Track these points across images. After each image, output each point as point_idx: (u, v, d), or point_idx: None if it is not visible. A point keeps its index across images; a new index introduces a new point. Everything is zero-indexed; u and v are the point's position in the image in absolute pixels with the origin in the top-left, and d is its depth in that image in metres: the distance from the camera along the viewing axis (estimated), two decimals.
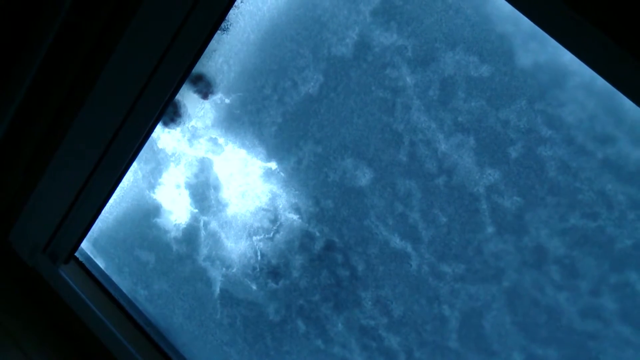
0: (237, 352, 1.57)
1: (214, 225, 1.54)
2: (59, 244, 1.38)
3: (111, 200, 1.36)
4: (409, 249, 1.38)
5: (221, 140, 1.45)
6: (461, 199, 1.30)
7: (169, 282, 1.60)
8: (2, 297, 1.42)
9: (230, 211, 1.51)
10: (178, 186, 1.54)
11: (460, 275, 1.35)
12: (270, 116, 1.38)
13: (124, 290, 1.51)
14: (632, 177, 1.16)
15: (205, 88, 1.38)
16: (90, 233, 1.41)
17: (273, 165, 1.42)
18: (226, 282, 1.55)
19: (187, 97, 1.41)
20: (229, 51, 1.33)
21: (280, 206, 1.45)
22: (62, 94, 1.19)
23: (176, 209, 1.56)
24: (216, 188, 1.51)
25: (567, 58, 1.11)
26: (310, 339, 1.51)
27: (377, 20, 1.23)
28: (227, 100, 1.39)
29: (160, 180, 1.55)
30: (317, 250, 1.46)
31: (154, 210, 1.58)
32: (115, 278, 1.52)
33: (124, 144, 1.20)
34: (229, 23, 1.30)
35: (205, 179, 1.51)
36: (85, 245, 1.51)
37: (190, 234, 1.56)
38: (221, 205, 1.52)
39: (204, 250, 1.56)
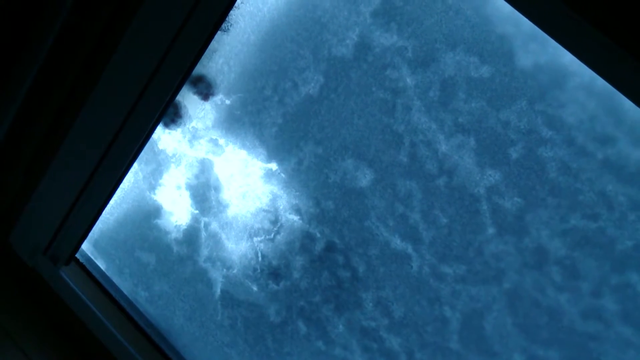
0: (237, 353, 1.57)
1: (214, 226, 1.54)
2: (60, 245, 1.38)
3: (112, 202, 1.36)
4: (410, 250, 1.38)
5: (222, 141, 1.45)
6: (462, 199, 1.30)
7: (170, 283, 1.60)
8: (3, 298, 1.42)
9: (230, 212, 1.51)
10: (179, 187, 1.54)
11: (461, 276, 1.35)
12: (271, 117, 1.38)
13: (125, 292, 1.51)
14: (633, 177, 1.16)
15: (205, 89, 1.39)
16: (90, 234, 1.41)
17: (273, 166, 1.43)
18: (227, 284, 1.55)
19: (188, 98, 1.41)
20: (229, 52, 1.33)
21: (281, 207, 1.46)
22: (63, 95, 1.19)
23: (177, 210, 1.56)
24: (217, 189, 1.51)
25: (567, 59, 1.11)
26: (311, 340, 1.51)
27: (377, 21, 1.23)
28: (227, 101, 1.39)
29: (160, 181, 1.55)
30: (317, 251, 1.46)
31: (155, 212, 1.58)
32: (116, 279, 1.52)
33: (125, 145, 1.20)
34: (229, 24, 1.30)
35: (206, 180, 1.51)
36: (85, 246, 1.51)
37: (191, 235, 1.56)
38: (222, 206, 1.52)
39: (204, 252, 1.56)
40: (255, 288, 1.53)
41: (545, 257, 1.28)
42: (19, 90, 1.18)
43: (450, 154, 1.27)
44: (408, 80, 1.25)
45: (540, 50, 1.12)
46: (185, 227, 1.56)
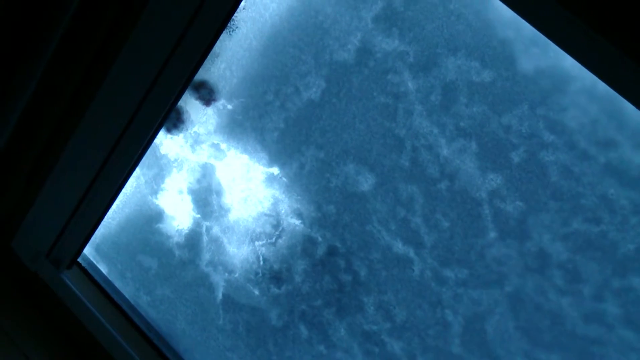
0: (239, 357, 1.57)
1: (216, 230, 1.54)
2: (62, 249, 1.38)
3: (114, 206, 1.36)
4: (412, 253, 1.38)
5: (223, 146, 1.45)
6: (463, 203, 1.30)
7: (172, 287, 1.60)
8: (5, 302, 1.42)
9: (232, 216, 1.51)
10: (180, 192, 1.54)
11: (462, 280, 1.35)
12: (273, 122, 1.38)
13: (127, 296, 1.51)
14: (635, 181, 1.16)
15: (207, 94, 1.39)
16: (93, 238, 1.41)
17: (275, 170, 1.43)
18: (228, 288, 1.55)
19: (190, 104, 1.41)
20: (231, 57, 1.33)
21: (283, 211, 1.46)
22: (66, 100, 1.19)
23: (179, 215, 1.56)
24: (218, 193, 1.51)
25: (569, 63, 1.11)
26: (312, 344, 1.51)
27: (378, 26, 1.23)
28: (229, 106, 1.40)
29: (162, 185, 1.55)
30: (319, 255, 1.46)
31: (157, 216, 1.58)
32: (117, 283, 1.52)
33: (127, 150, 1.21)
34: (231, 29, 1.30)
35: (208, 185, 1.52)
36: (87, 250, 1.51)
37: (193, 240, 1.56)
38: (223, 211, 1.52)
39: (206, 256, 1.56)
40: (256, 292, 1.53)
41: (547, 260, 1.28)
42: (22, 95, 1.19)
43: (451, 158, 1.27)
44: (409, 84, 1.25)
45: (542, 55, 1.13)
46: (187, 231, 1.57)
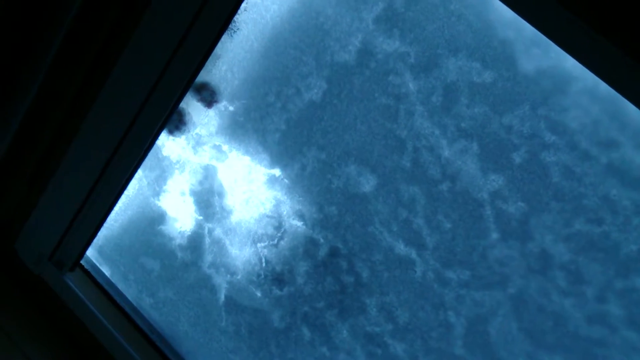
0: (242, 359, 1.57)
1: (218, 232, 1.54)
2: (65, 252, 1.38)
3: (116, 208, 1.36)
4: (414, 255, 1.37)
5: (225, 148, 1.45)
6: (465, 204, 1.30)
7: (174, 289, 1.60)
8: (8, 304, 1.42)
9: (234, 218, 1.52)
10: (183, 193, 1.54)
11: (465, 281, 1.35)
12: (274, 123, 1.39)
13: (129, 298, 1.51)
14: (637, 182, 1.16)
15: (209, 96, 1.39)
16: (95, 240, 1.42)
17: (277, 171, 1.43)
18: (231, 289, 1.55)
19: (192, 105, 1.42)
20: (232, 59, 1.34)
21: (285, 213, 1.46)
22: (67, 102, 1.20)
23: (181, 216, 1.56)
24: (220, 195, 1.51)
25: (570, 63, 1.11)
26: (315, 346, 1.51)
27: (379, 27, 1.23)
28: (231, 108, 1.40)
29: (165, 187, 1.56)
30: (321, 256, 1.46)
31: (159, 218, 1.58)
32: (120, 285, 1.52)
33: (129, 152, 1.21)
34: (232, 31, 1.31)
35: (210, 186, 1.52)
36: (90, 252, 1.52)
37: (195, 241, 1.57)
38: (225, 212, 1.52)
39: (208, 258, 1.56)
40: (259, 294, 1.53)
41: (550, 261, 1.28)
42: (23, 98, 1.19)
43: (453, 159, 1.27)
44: (410, 85, 1.25)
45: (543, 55, 1.13)
46: (189, 233, 1.57)
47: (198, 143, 1.47)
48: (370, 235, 1.39)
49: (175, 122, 1.45)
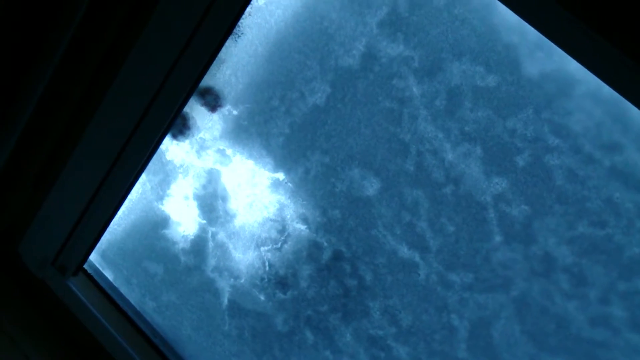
0: None
1: (221, 236, 1.54)
2: (68, 256, 1.38)
3: (120, 212, 1.36)
4: (417, 258, 1.38)
5: (229, 152, 1.45)
6: (469, 208, 1.30)
7: (177, 293, 1.60)
8: (11, 308, 1.42)
9: (238, 222, 1.52)
10: (186, 197, 1.54)
11: (468, 284, 1.35)
12: (278, 127, 1.39)
13: (132, 302, 1.51)
14: None
15: (213, 100, 1.39)
16: (98, 245, 1.41)
17: (280, 175, 1.43)
18: (234, 293, 1.55)
19: (196, 110, 1.42)
20: (236, 63, 1.34)
21: (288, 216, 1.46)
22: (72, 107, 1.20)
23: (184, 220, 1.56)
24: (224, 199, 1.51)
25: (573, 67, 1.12)
26: (318, 349, 1.51)
27: (383, 31, 1.24)
28: (235, 112, 1.40)
29: (168, 191, 1.56)
30: (324, 260, 1.46)
31: (162, 222, 1.58)
32: (123, 290, 1.52)
33: (133, 156, 1.21)
34: (237, 36, 1.31)
35: (213, 190, 1.52)
36: (93, 257, 1.52)
37: (198, 245, 1.56)
38: (229, 216, 1.52)
39: (212, 261, 1.56)
40: (262, 297, 1.53)
41: (553, 264, 1.28)
42: (28, 102, 1.19)
43: (456, 162, 1.27)
44: (414, 89, 1.25)
45: (546, 59, 1.13)
46: (192, 237, 1.57)
47: (202, 147, 1.47)
48: (374, 238, 1.39)
49: (179, 126, 1.45)
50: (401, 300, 1.41)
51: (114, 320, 1.43)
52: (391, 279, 1.41)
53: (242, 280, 1.54)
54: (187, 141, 1.47)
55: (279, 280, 1.51)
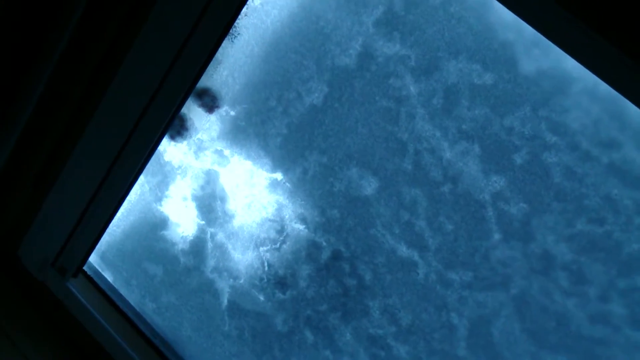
0: None
1: (220, 236, 1.54)
2: (68, 258, 1.38)
3: (119, 214, 1.36)
4: (416, 257, 1.38)
5: (227, 152, 1.46)
6: (467, 206, 1.30)
7: (177, 294, 1.60)
8: (12, 310, 1.42)
9: (236, 222, 1.52)
10: (185, 198, 1.54)
11: (467, 282, 1.35)
12: (275, 127, 1.39)
13: (132, 303, 1.51)
14: (638, 181, 1.16)
15: (210, 101, 1.40)
16: (98, 246, 1.42)
17: (279, 175, 1.43)
18: (233, 294, 1.55)
19: (193, 111, 1.42)
20: (233, 64, 1.34)
21: (287, 216, 1.46)
22: (70, 108, 1.20)
23: (183, 221, 1.56)
24: (222, 200, 1.52)
25: (571, 64, 1.12)
26: (318, 349, 1.51)
27: (379, 30, 1.24)
28: (232, 113, 1.40)
29: (167, 192, 1.56)
30: (323, 260, 1.46)
31: (161, 223, 1.58)
32: (123, 291, 1.52)
33: (131, 158, 1.21)
34: (233, 36, 1.31)
35: (212, 191, 1.52)
36: (93, 258, 1.52)
37: (197, 246, 1.57)
38: (227, 217, 1.52)
39: (211, 262, 1.56)
40: (262, 298, 1.53)
41: (552, 262, 1.28)
42: (27, 102, 1.20)
43: (454, 160, 1.27)
44: (411, 88, 1.25)
45: (543, 56, 1.13)
46: (191, 238, 1.57)
47: (200, 148, 1.48)
48: (373, 238, 1.39)
49: (176, 127, 1.45)
50: (400, 299, 1.41)
51: (114, 322, 1.43)
52: (390, 278, 1.41)
53: (242, 281, 1.54)
54: (185, 142, 1.47)
55: (278, 281, 1.51)
